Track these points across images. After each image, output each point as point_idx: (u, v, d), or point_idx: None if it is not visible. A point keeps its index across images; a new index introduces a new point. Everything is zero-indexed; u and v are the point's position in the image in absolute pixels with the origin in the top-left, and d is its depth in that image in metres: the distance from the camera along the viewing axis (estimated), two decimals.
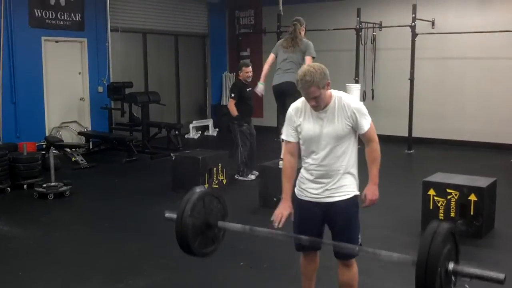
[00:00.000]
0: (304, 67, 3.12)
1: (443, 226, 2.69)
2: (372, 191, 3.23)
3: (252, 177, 7.65)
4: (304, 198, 3.26)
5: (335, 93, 3.16)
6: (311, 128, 3.16)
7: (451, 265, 2.67)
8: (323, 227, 3.27)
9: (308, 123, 3.18)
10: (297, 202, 3.30)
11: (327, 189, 3.18)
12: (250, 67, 7.70)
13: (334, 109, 3.12)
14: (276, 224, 3.18)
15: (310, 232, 3.22)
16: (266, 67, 7.09)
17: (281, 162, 6.06)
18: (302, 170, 3.30)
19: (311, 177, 3.22)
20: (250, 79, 7.70)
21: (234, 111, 7.61)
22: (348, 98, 3.17)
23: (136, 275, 4.35)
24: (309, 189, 3.23)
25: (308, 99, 3.10)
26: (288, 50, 6.75)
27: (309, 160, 3.22)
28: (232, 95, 7.65)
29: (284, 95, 6.76)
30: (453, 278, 2.70)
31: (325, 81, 3.05)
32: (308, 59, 6.49)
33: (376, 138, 3.22)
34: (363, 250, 3.07)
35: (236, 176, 7.70)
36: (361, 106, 3.16)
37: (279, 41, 7.37)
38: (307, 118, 3.19)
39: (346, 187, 3.18)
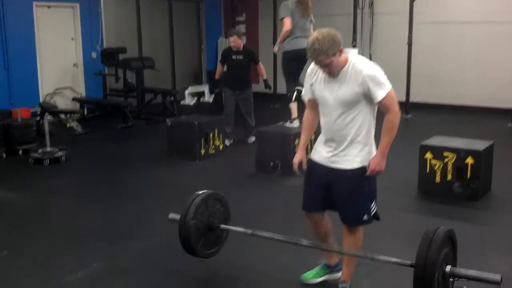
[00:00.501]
0: (314, 34, 3.00)
1: (440, 232, 2.75)
2: (376, 161, 3.11)
3: (227, 143, 7.45)
4: (314, 158, 3.30)
5: (351, 58, 3.06)
6: (321, 92, 3.16)
7: (448, 268, 2.74)
8: (328, 191, 3.23)
9: (319, 86, 3.17)
10: (308, 161, 3.35)
11: (334, 154, 3.18)
12: (234, 36, 7.43)
13: (346, 74, 3.04)
14: (298, 172, 3.37)
15: (314, 191, 3.29)
16: (285, 35, 6.66)
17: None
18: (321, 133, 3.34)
19: (323, 139, 3.25)
20: (236, 49, 7.53)
21: (216, 73, 7.94)
22: (362, 64, 3.04)
23: (133, 238, 4.35)
24: (321, 151, 3.26)
25: (320, 67, 3.06)
26: (304, 16, 6.64)
27: (322, 123, 3.26)
28: (220, 58, 8.08)
29: (302, 60, 6.62)
30: (451, 278, 2.77)
31: (335, 47, 2.94)
32: (311, 28, 6.70)
33: (395, 108, 3.05)
34: (362, 255, 3.19)
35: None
36: (376, 73, 3.03)
37: (288, 3, 6.81)
38: (319, 81, 3.17)
39: (353, 157, 3.13)
